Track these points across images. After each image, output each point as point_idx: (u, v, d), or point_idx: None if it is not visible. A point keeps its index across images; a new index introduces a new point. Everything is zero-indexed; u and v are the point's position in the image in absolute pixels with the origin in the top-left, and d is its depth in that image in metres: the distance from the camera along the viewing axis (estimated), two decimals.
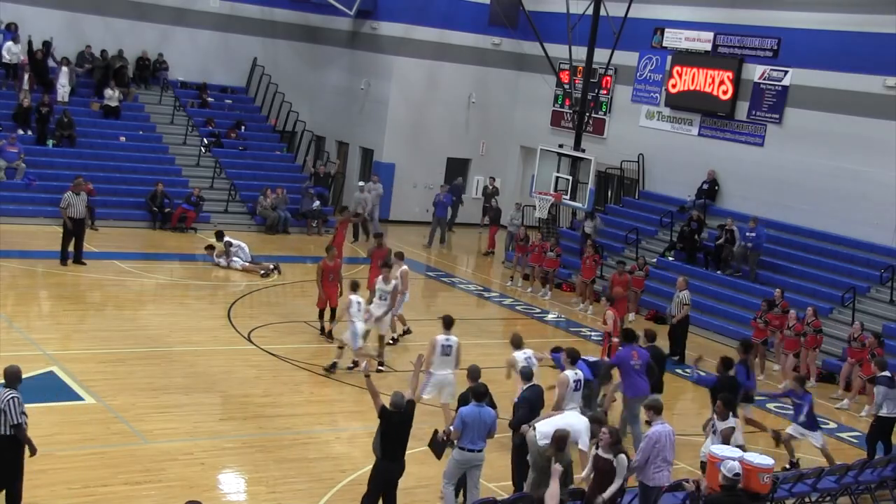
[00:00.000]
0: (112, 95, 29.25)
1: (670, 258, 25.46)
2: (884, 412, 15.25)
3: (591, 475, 10.90)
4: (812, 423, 14.75)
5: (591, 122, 28.90)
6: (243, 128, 31.46)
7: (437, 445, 11.78)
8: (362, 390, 11.55)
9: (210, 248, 23.88)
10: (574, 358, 13.63)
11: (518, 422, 12.28)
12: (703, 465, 13.30)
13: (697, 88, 27.41)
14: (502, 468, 12.75)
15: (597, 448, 10.92)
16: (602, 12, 26.78)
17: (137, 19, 31.02)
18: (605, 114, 30.30)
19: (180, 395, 15.07)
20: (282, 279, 23.10)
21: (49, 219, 24.47)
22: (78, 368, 15.43)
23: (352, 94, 32.92)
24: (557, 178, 27.35)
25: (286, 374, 16.65)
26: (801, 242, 24.51)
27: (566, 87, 29.62)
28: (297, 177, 30.93)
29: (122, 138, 28.87)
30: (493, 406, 11.93)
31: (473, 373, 12.31)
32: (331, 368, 16.74)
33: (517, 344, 14.45)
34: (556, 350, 14.89)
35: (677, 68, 28.00)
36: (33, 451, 10.47)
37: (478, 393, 11.54)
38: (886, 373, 15.59)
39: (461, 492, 11.81)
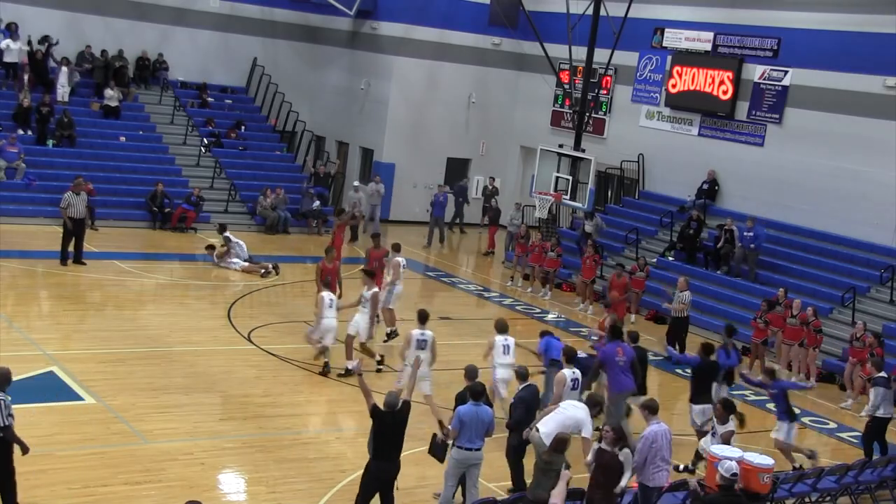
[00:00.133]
0: (112, 95, 29.25)
1: (670, 258, 25.46)
2: (880, 413, 15.26)
3: (593, 469, 10.91)
4: (781, 414, 14.61)
5: (591, 122, 28.90)
6: (243, 128, 31.46)
7: (438, 448, 11.78)
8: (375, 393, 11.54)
9: (210, 247, 23.88)
10: (571, 357, 13.71)
11: (515, 422, 12.28)
12: (696, 455, 13.41)
13: (697, 88, 27.41)
14: (502, 468, 12.75)
15: (599, 442, 10.95)
16: (602, 12, 26.78)
17: (137, 19, 31.02)
18: (605, 114, 30.30)
19: (180, 395, 15.07)
20: (281, 279, 23.10)
21: (49, 219, 24.47)
22: (78, 368, 15.43)
23: (352, 94, 32.93)
24: (557, 178, 27.35)
25: (286, 374, 16.65)
26: (801, 242, 24.51)
27: (566, 87, 29.62)
28: (297, 177, 30.94)
29: (122, 138, 28.88)
30: (490, 405, 11.94)
31: (471, 372, 12.33)
32: (324, 370, 16.71)
33: (501, 329, 14.91)
34: (542, 335, 15.31)
35: (677, 68, 28.00)
36: (25, 450, 10.48)
37: (475, 392, 11.55)
38: (883, 373, 15.61)
39: (458, 491, 11.81)
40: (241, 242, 23.87)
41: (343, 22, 33.06)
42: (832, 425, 17.61)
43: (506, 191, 32.69)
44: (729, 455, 10.88)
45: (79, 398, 14.41)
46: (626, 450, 10.89)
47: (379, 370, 16.70)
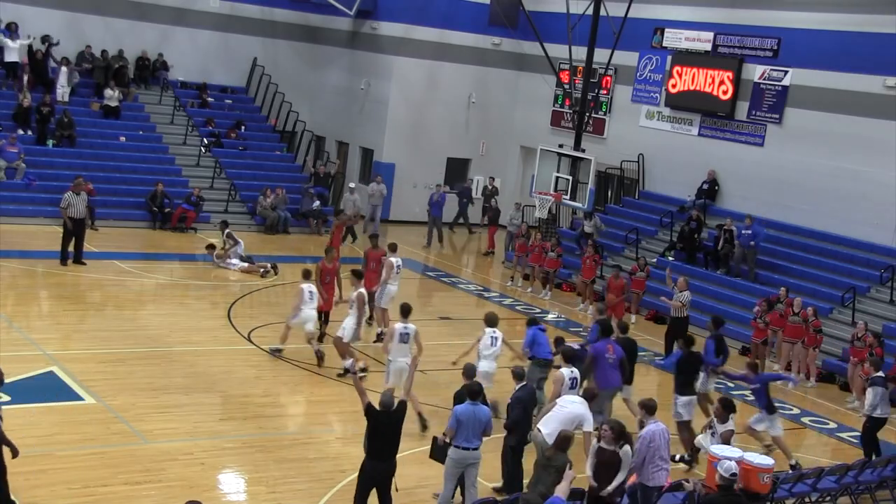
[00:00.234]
0: (112, 95, 29.25)
1: (670, 258, 25.46)
2: (877, 413, 15.26)
3: (594, 467, 10.90)
4: (763, 408, 14.78)
5: (591, 122, 28.90)
6: (243, 128, 31.47)
7: (440, 451, 11.76)
8: (369, 393, 11.55)
9: (210, 247, 23.88)
10: (569, 357, 13.73)
11: (512, 422, 12.27)
12: (693, 448, 13.41)
13: (697, 88, 27.41)
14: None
15: (598, 441, 10.93)
16: (602, 12, 26.79)
17: (137, 19, 31.02)
18: (605, 114, 30.30)
19: (180, 395, 15.07)
20: (281, 279, 23.10)
21: (49, 219, 24.48)
22: (78, 368, 15.43)
23: (352, 94, 32.93)
24: (557, 178, 27.36)
25: (286, 374, 16.65)
26: (801, 242, 24.52)
27: (566, 87, 29.62)
28: (297, 177, 30.94)
29: (122, 138, 28.88)
30: (487, 404, 11.93)
31: (468, 371, 12.34)
32: (320, 362, 16.87)
33: (490, 322, 15.17)
34: (530, 323, 15.60)
35: (677, 68, 28.00)
36: (15, 453, 10.45)
37: (472, 391, 11.55)
38: (881, 373, 15.62)
39: (457, 490, 11.81)
40: (241, 241, 23.92)
41: (343, 22, 33.06)
42: (832, 425, 17.61)
43: (506, 191, 32.68)
44: (729, 455, 10.87)
45: (79, 398, 14.41)
46: (626, 447, 10.90)
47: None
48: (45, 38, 28.86)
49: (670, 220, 26.73)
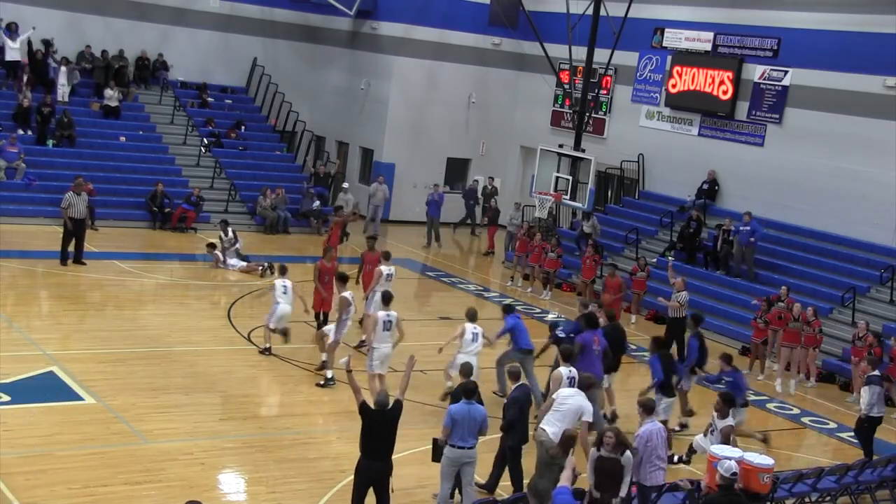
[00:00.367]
0: (112, 95, 29.26)
1: (670, 258, 25.43)
2: (875, 412, 15.26)
3: (596, 476, 10.87)
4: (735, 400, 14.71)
5: (591, 122, 28.90)
6: (243, 128, 31.47)
7: (440, 453, 11.76)
8: (363, 390, 11.54)
9: (211, 245, 23.86)
10: (568, 356, 13.77)
11: (508, 423, 12.27)
12: (690, 448, 13.41)
13: (697, 88, 27.41)
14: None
15: (598, 450, 10.88)
16: (602, 12, 26.79)
17: (137, 19, 31.02)
18: (605, 114, 30.31)
19: (180, 395, 15.07)
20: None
21: (49, 219, 24.48)
22: (78, 368, 15.43)
23: (352, 94, 32.93)
24: (557, 178, 27.37)
25: (286, 374, 16.65)
26: (801, 242, 24.52)
27: (566, 87, 29.63)
28: (297, 177, 30.94)
29: (122, 138, 28.88)
30: (482, 403, 11.91)
31: (465, 370, 12.34)
32: (270, 348, 17.24)
33: (471, 317, 15.60)
34: (506, 310, 16.23)
35: (677, 68, 28.00)
36: None
37: (467, 390, 11.56)
38: (877, 372, 15.61)
39: (455, 491, 11.81)
40: (240, 240, 23.97)
41: (343, 22, 33.06)
42: (832, 425, 17.61)
43: (506, 191, 32.68)
44: (729, 455, 10.88)
45: (79, 398, 14.40)
46: (627, 453, 10.86)
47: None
48: (47, 42, 28.85)
49: (670, 220, 26.73)
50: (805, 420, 17.84)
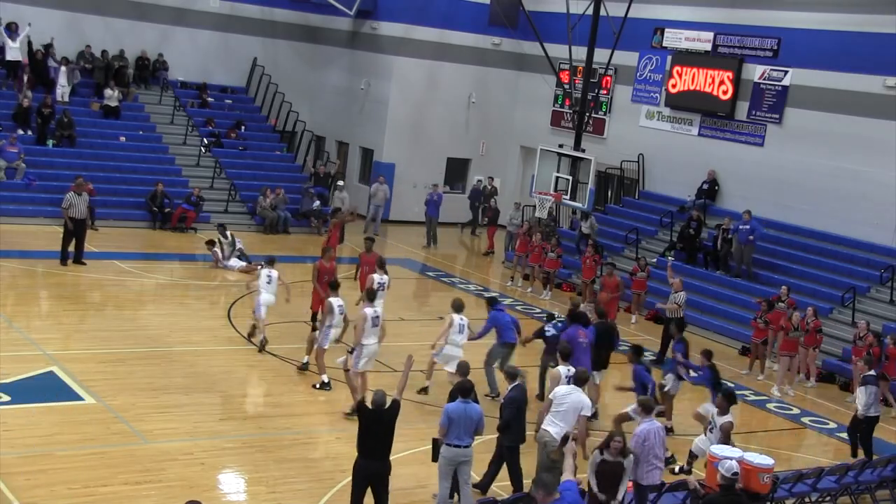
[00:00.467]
0: (112, 95, 29.26)
1: (670, 258, 25.43)
2: (871, 412, 15.26)
3: (599, 478, 10.88)
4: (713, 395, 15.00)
5: (591, 122, 28.90)
6: (243, 128, 31.47)
7: (438, 451, 11.77)
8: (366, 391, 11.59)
9: (211, 242, 23.83)
10: (566, 355, 13.81)
11: (505, 423, 12.26)
12: (691, 454, 13.39)
13: (697, 88, 27.41)
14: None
15: (602, 453, 10.88)
16: (602, 12, 26.78)
17: (137, 19, 31.02)
18: (605, 114, 30.30)
19: (180, 395, 15.07)
20: (281, 279, 23.04)
21: (49, 219, 24.49)
22: (78, 368, 15.43)
23: (352, 94, 32.93)
24: (557, 178, 27.36)
25: (286, 374, 16.65)
26: (801, 242, 24.51)
27: (566, 87, 29.62)
28: (297, 177, 30.95)
29: (122, 138, 28.89)
30: (478, 402, 11.91)
31: (462, 369, 12.33)
32: (260, 346, 17.49)
33: (458, 308, 15.92)
34: (490, 304, 16.54)
35: (677, 68, 28.00)
36: None
37: (464, 389, 11.57)
38: (873, 372, 15.60)
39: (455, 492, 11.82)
40: (238, 241, 24.01)
41: (343, 22, 33.06)
42: (832, 425, 17.61)
43: (506, 191, 32.68)
44: (729, 455, 10.88)
45: (79, 398, 14.40)
46: (630, 456, 10.95)
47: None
48: (48, 46, 28.86)
49: (670, 220, 26.73)
50: (805, 420, 17.85)
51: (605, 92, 30.03)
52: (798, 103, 25.24)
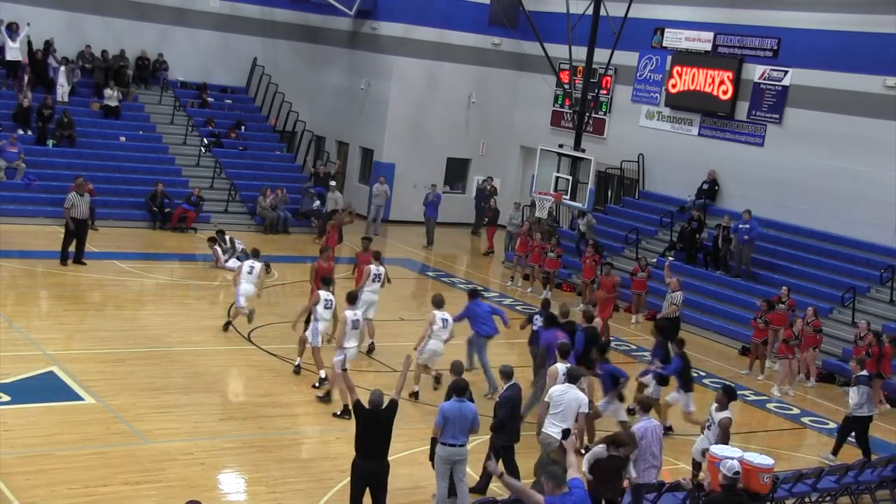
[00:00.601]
0: (112, 95, 29.26)
1: (670, 258, 25.45)
2: (863, 412, 15.25)
3: (598, 471, 10.88)
4: (679, 386, 15.37)
5: (591, 122, 28.90)
6: (243, 128, 31.47)
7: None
8: (364, 390, 11.56)
9: (213, 240, 23.80)
10: (565, 353, 13.83)
11: (499, 422, 12.25)
12: (694, 463, 13.36)
13: (697, 88, 27.41)
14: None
15: (608, 449, 10.85)
16: (602, 12, 26.78)
17: (137, 19, 31.02)
18: (605, 114, 30.30)
19: (180, 395, 15.06)
20: (281, 279, 23.09)
21: (49, 219, 24.49)
22: (78, 368, 15.43)
23: (352, 94, 32.93)
24: (557, 178, 27.35)
25: (286, 374, 16.64)
26: (801, 242, 24.52)
27: (566, 87, 29.62)
28: (297, 177, 30.95)
29: (122, 138, 28.88)
30: (472, 401, 11.90)
31: (456, 367, 12.34)
32: (225, 326, 18.19)
33: (438, 304, 16.32)
34: (471, 296, 16.93)
35: (677, 68, 28.00)
36: None
37: (459, 388, 11.55)
38: (865, 372, 15.58)
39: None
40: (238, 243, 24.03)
41: (343, 22, 33.06)
42: (832, 425, 17.58)
43: (506, 191, 32.68)
44: (729, 455, 10.88)
45: (79, 398, 14.40)
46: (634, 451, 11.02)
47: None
48: (48, 43, 28.85)
49: (670, 220, 26.73)
50: (805, 420, 17.85)
51: (605, 92, 30.03)
52: (798, 103, 25.24)
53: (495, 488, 12.53)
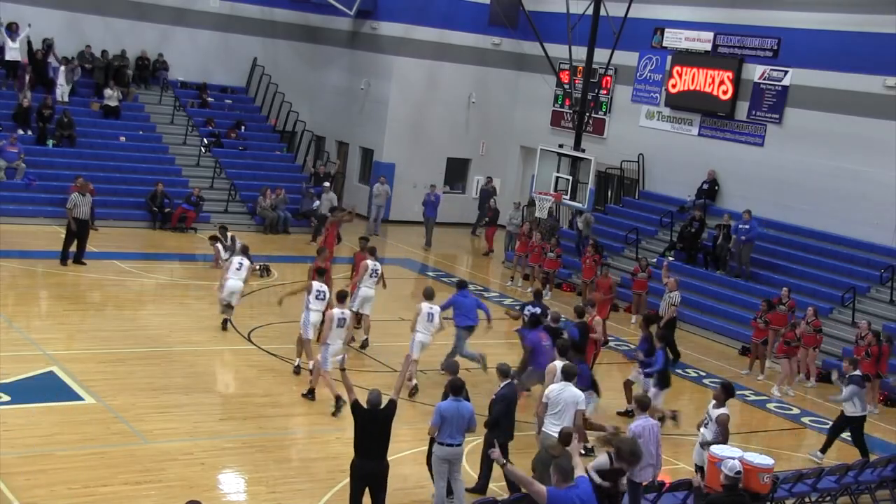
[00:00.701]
0: (112, 95, 29.26)
1: (670, 258, 25.44)
2: (852, 411, 15.22)
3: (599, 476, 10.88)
4: (659, 383, 15.47)
5: (591, 122, 28.89)
6: (243, 128, 31.47)
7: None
8: (363, 390, 11.55)
9: (214, 238, 23.78)
10: (563, 351, 13.85)
11: (494, 419, 12.25)
12: (696, 468, 13.31)
13: (697, 88, 27.40)
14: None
15: (612, 462, 10.80)
16: (602, 12, 26.78)
17: (137, 19, 31.02)
18: (605, 114, 30.30)
19: (180, 395, 15.07)
20: (281, 279, 23.08)
21: (49, 219, 24.49)
22: (78, 368, 15.43)
23: (352, 94, 32.93)
24: (557, 178, 27.36)
25: (286, 374, 16.64)
26: (801, 242, 24.51)
27: (566, 87, 29.62)
28: (297, 177, 30.94)
29: (122, 138, 28.89)
30: (469, 400, 11.91)
31: (451, 367, 12.34)
32: (224, 325, 18.40)
33: (429, 296, 16.48)
34: (458, 286, 17.26)
35: (677, 68, 27.99)
36: None
37: (455, 387, 11.55)
38: (858, 372, 15.57)
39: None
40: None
41: (343, 22, 33.06)
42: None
43: (506, 191, 32.68)
44: (729, 455, 10.88)
45: (79, 398, 14.40)
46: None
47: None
48: (47, 42, 28.85)
49: (670, 220, 26.73)
50: (805, 420, 17.84)
51: (605, 92, 30.02)
52: (798, 103, 25.24)
53: (495, 488, 12.55)
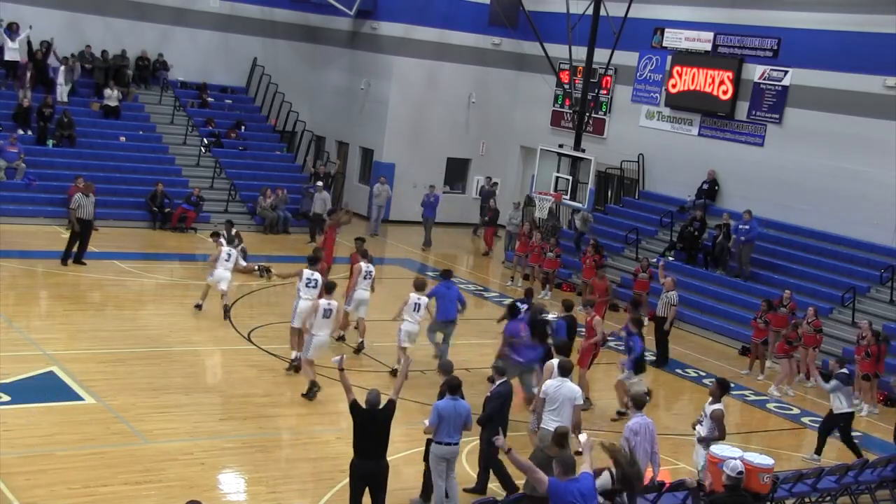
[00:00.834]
0: (112, 95, 29.26)
1: (670, 258, 25.45)
2: (838, 407, 15.22)
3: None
4: (630, 363, 15.74)
5: (591, 122, 28.90)
6: (243, 128, 31.47)
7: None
8: (362, 390, 11.55)
9: (215, 234, 23.73)
10: (562, 349, 13.89)
11: (487, 416, 12.23)
12: (698, 470, 13.31)
13: (697, 88, 27.41)
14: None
15: (613, 482, 10.76)
16: (602, 12, 26.78)
17: (137, 19, 31.02)
18: (605, 114, 30.30)
19: (180, 395, 15.07)
20: (281, 279, 23.03)
21: (49, 219, 24.48)
22: (78, 368, 15.43)
23: (352, 94, 32.93)
24: (557, 178, 27.36)
25: (286, 374, 16.64)
26: (801, 242, 24.51)
27: (566, 87, 29.62)
28: (297, 177, 30.94)
29: (122, 138, 28.88)
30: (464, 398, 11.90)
31: (445, 366, 12.34)
32: (224, 314, 18.83)
33: (419, 287, 16.74)
34: (442, 276, 17.53)
35: (677, 68, 27.99)
36: None
37: (452, 386, 11.56)
38: (845, 370, 15.57)
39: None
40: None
41: (343, 22, 33.06)
42: None
43: (506, 191, 32.67)
44: (730, 455, 10.88)
45: (79, 398, 14.41)
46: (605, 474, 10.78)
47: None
48: (46, 43, 28.85)
49: (670, 220, 26.73)
50: (805, 420, 17.84)
51: (605, 92, 30.02)
52: (798, 103, 25.24)
53: (494, 488, 12.55)
